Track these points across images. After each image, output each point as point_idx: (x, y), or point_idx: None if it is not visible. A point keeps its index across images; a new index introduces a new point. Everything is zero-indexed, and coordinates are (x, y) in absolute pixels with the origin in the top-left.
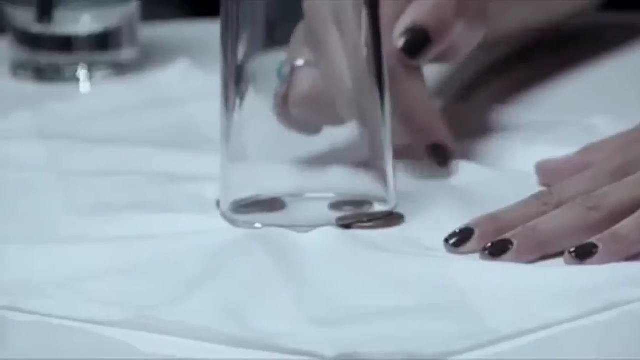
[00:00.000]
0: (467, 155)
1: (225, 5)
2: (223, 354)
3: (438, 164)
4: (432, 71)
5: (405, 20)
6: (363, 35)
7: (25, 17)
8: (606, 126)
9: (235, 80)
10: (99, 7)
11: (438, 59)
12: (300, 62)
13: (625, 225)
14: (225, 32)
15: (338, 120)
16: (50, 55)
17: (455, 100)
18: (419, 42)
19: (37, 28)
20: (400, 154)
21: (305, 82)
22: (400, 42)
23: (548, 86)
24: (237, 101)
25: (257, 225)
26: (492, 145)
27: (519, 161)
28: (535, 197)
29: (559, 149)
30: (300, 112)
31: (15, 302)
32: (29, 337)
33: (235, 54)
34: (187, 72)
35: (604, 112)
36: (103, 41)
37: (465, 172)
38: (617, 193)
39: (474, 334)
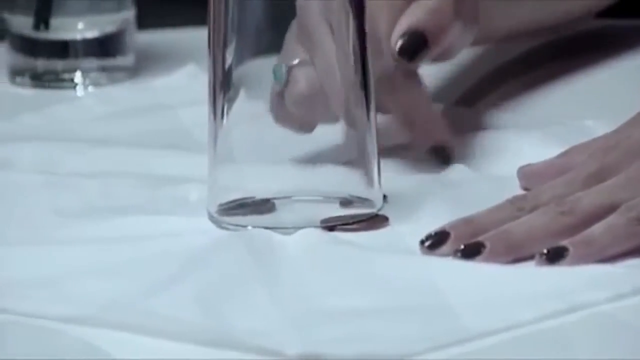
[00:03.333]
0: (457, 158)
1: (212, 11)
2: (187, 354)
3: (441, 163)
4: (436, 76)
5: (403, 24)
6: (350, 38)
7: (23, 24)
8: (601, 130)
9: (224, 85)
10: (95, 13)
11: (431, 60)
12: (295, 61)
13: (596, 229)
14: (212, 37)
15: (333, 118)
16: (47, 61)
17: (456, 104)
18: (416, 45)
19: (34, 34)
20: (395, 151)
21: (302, 80)
22: (398, 46)
23: (549, 91)
24: (225, 105)
25: (246, 227)
26: (484, 148)
27: (509, 164)
28: (510, 201)
29: (551, 152)
30: (298, 110)
31: None
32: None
33: (223, 59)
34: (184, 78)
35: (602, 117)
36: (100, 47)
37: (452, 174)
38: (590, 198)
39: (441, 334)
